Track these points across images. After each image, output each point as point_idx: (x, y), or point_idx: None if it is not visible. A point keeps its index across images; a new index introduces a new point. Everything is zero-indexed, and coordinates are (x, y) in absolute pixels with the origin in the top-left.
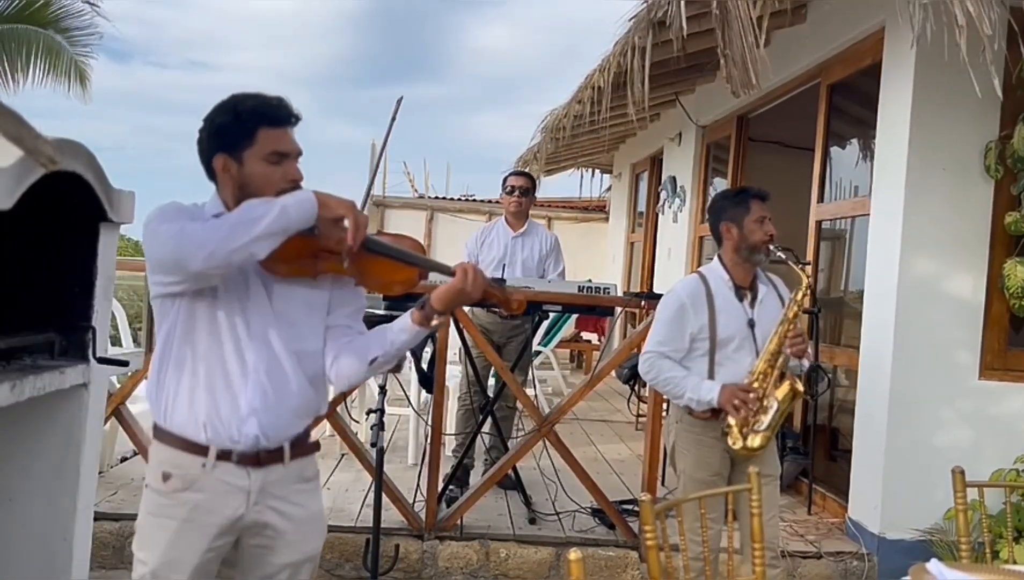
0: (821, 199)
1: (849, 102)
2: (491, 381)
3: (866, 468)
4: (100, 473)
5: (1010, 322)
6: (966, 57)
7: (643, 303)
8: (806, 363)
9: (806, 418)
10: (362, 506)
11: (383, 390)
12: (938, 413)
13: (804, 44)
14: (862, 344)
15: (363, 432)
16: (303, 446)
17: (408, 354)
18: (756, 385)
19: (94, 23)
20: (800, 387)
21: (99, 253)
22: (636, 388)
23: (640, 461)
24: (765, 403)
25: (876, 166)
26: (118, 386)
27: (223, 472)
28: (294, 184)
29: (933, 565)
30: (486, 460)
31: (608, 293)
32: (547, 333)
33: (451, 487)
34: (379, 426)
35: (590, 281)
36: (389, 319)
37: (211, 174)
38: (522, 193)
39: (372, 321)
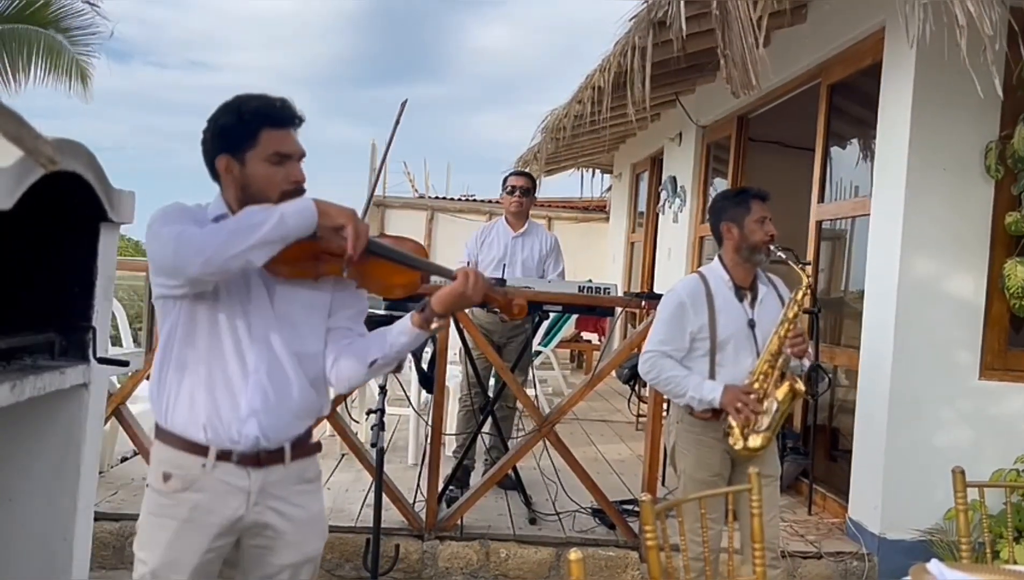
0: (821, 199)
1: (849, 102)
2: (491, 381)
3: (866, 468)
4: (100, 473)
5: (1010, 322)
6: (966, 57)
7: (643, 303)
8: (806, 363)
9: (806, 418)
10: (362, 506)
11: (383, 390)
12: (938, 413)
13: (804, 44)
14: (862, 344)
15: (363, 432)
16: (304, 447)
17: (408, 354)
18: (756, 385)
19: (95, 22)
20: (800, 387)
21: (99, 253)
22: (636, 388)
23: (640, 461)
24: (766, 404)
25: (876, 166)
26: (118, 386)
27: (223, 472)
28: (296, 185)
29: (933, 565)
30: (486, 460)
31: (608, 293)
32: (547, 333)
33: (451, 487)
34: (379, 426)
35: (590, 281)
36: (390, 320)
37: (215, 175)
38: (523, 193)
39: (372, 322)
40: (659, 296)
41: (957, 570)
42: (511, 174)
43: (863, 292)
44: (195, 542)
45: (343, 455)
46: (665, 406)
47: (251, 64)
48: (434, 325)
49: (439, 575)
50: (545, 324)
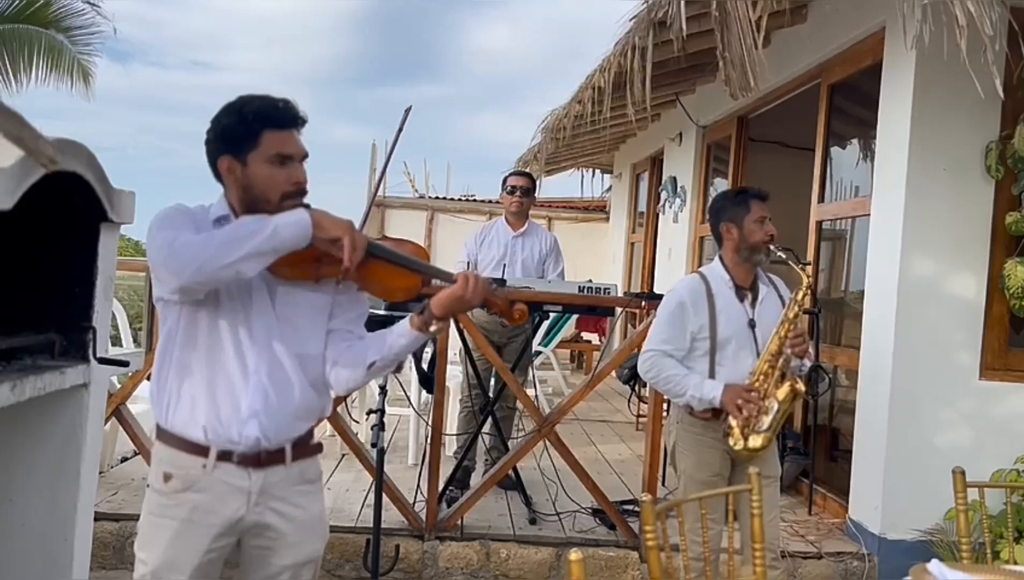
0: (822, 199)
1: (850, 102)
2: (491, 382)
3: (867, 468)
4: (100, 473)
5: (1010, 322)
6: (966, 57)
7: (643, 303)
8: (807, 363)
9: (807, 418)
10: (362, 506)
11: (383, 390)
12: (939, 413)
13: (804, 44)
14: (863, 344)
15: (363, 432)
16: (305, 447)
17: (408, 355)
18: (757, 385)
19: (96, 22)
20: (801, 387)
21: (99, 253)
22: (636, 388)
23: (640, 461)
24: (766, 404)
25: (876, 166)
26: (118, 386)
27: (224, 473)
28: (298, 186)
29: (934, 565)
30: (487, 460)
31: (608, 293)
32: (547, 333)
33: (451, 488)
34: (379, 426)
35: (590, 281)
36: (390, 320)
37: (218, 175)
38: (523, 193)
39: (373, 322)
40: (659, 296)
41: (957, 570)
42: (511, 174)
43: (863, 292)
44: (195, 542)
45: (343, 455)
46: (665, 406)
47: (252, 64)
48: (433, 328)
49: (439, 575)
50: (545, 324)
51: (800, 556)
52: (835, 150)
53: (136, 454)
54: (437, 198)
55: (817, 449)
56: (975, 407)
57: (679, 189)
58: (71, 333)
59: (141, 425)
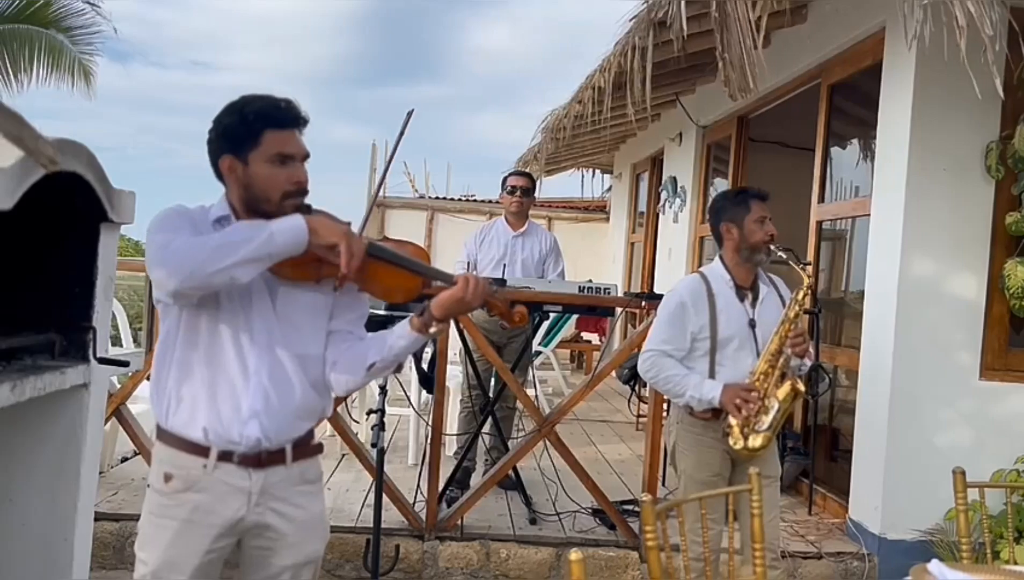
0: (822, 199)
1: (850, 102)
2: (492, 382)
3: (867, 468)
4: (100, 473)
5: (1010, 322)
6: (966, 57)
7: (643, 303)
8: (807, 363)
9: (807, 418)
10: (362, 506)
11: (383, 390)
12: (939, 413)
13: (804, 44)
14: (863, 344)
15: (363, 432)
16: (306, 448)
17: (408, 356)
18: (757, 385)
19: (96, 22)
20: (801, 387)
21: (99, 253)
22: (636, 388)
23: (641, 461)
24: (766, 403)
25: (876, 166)
26: (118, 386)
27: (224, 473)
28: (299, 186)
29: (934, 565)
30: (487, 460)
31: (608, 293)
32: (547, 333)
33: (451, 488)
34: (379, 426)
35: (591, 281)
36: (390, 320)
37: (219, 175)
38: (523, 193)
39: (373, 322)
40: (659, 296)
41: (957, 570)
42: (511, 174)
43: (863, 292)
44: (196, 543)
45: (343, 455)
46: (665, 406)
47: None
48: (433, 329)
49: (439, 575)
50: (545, 324)
51: (800, 556)
52: (835, 150)
53: (136, 454)
54: (437, 198)
55: (817, 449)
56: (975, 407)
57: (679, 189)
58: (71, 333)
59: (141, 425)
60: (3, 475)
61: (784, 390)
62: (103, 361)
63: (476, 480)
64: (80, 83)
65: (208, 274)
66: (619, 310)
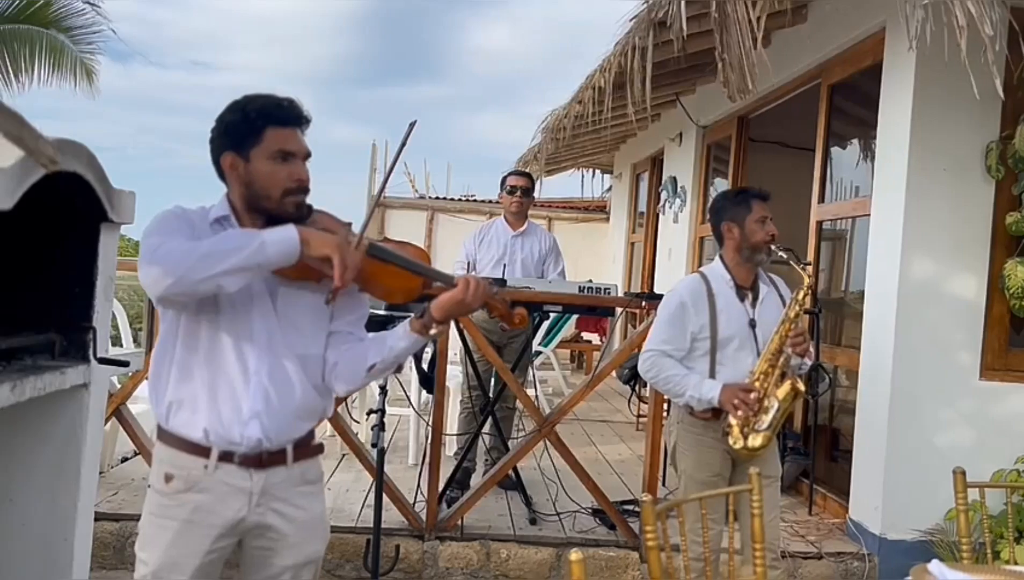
0: (822, 199)
1: (850, 102)
2: (492, 382)
3: (867, 468)
4: (100, 473)
5: (1011, 322)
6: (967, 58)
7: (644, 303)
8: (807, 362)
9: (807, 418)
10: (363, 506)
11: (384, 390)
12: (939, 413)
13: (805, 44)
14: (863, 344)
15: (364, 432)
16: (306, 448)
17: (408, 357)
18: (757, 385)
19: (96, 21)
20: (801, 387)
21: (100, 253)
22: (637, 388)
23: (641, 461)
24: (766, 403)
25: (876, 166)
26: (119, 386)
27: (225, 473)
28: (300, 184)
29: (934, 566)
30: (487, 460)
31: (609, 293)
32: (547, 333)
33: (451, 488)
34: (380, 426)
35: (591, 281)
36: (390, 320)
37: (221, 173)
38: (523, 193)
39: (373, 322)
40: (659, 296)
41: (958, 570)
42: (511, 174)
43: (863, 292)
44: (196, 543)
45: (343, 455)
46: (665, 406)
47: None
48: (433, 331)
49: (439, 575)
50: (545, 324)
51: (800, 556)
52: (835, 150)
53: (136, 454)
54: (437, 198)
55: (817, 449)
56: (975, 407)
57: (679, 189)
58: (71, 333)
59: (141, 425)
60: (3, 475)
61: (784, 390)
62: (103, 361)
63: (476, 480)
64: (83, 83)
65: (194, 281)
66: (619, 310)
